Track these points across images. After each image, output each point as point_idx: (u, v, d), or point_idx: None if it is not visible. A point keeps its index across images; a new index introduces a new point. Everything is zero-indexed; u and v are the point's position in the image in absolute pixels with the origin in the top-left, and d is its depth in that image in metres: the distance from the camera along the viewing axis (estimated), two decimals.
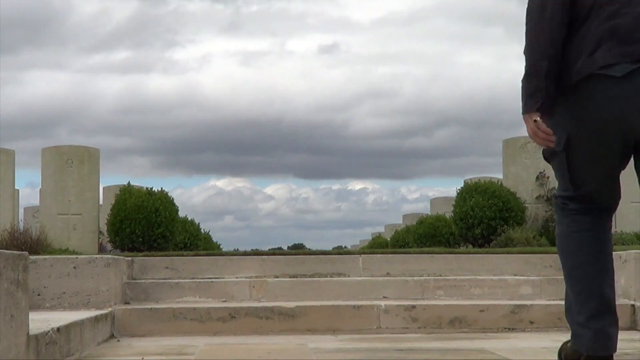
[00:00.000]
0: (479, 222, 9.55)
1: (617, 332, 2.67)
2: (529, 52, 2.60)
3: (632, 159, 2.69)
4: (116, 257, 4.71)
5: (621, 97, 2.44)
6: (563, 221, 2.77)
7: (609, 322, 2.69)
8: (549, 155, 2.73)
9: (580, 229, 2.74)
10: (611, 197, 2.81)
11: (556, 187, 2.81)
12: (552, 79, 2.55)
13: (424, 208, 17.79)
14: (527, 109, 2.58)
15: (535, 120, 2.56)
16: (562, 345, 2.98)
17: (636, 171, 2.69)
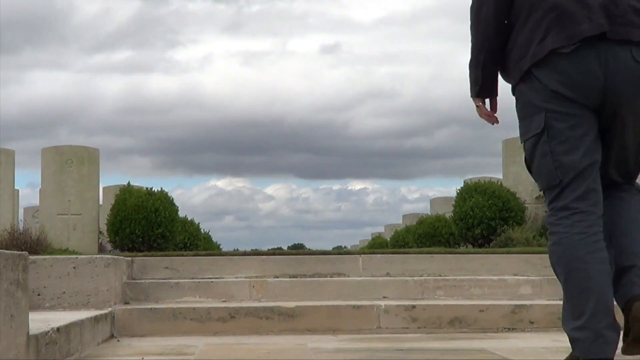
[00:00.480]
0: (478, 222, 9.55)
1: (617, 337, 2.57)
2: (471, 46, 2.92)
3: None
4: (116, 257, 4.71)
5: (575, 67, 2.65)
6: (558, 227, 2.69)
7: (613, 331, 2.58)
8: (529, 155, 2.80)
9: (579, 237, 2.65)
10: (598, 200, 2.70)
11: (547, 200, 2.78)
12: (490, 69, 2.88)
13: (424, 208, 17.79)
14: (471, 95, 2.96)
15: (477, 105, 2.95)
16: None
17: (609, 141, 2.76)
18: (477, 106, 2.95)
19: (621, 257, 2.66)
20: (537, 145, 2.74)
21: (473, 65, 2.92)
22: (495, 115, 2.94)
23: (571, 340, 2.72)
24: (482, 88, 2.91)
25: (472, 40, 2.93)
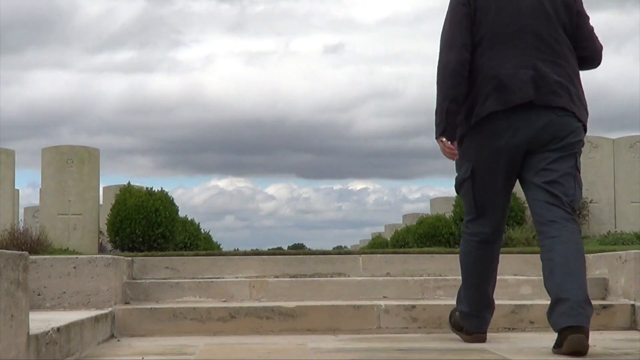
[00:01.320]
0: None
1: (491, 318, 3.85)
2: (437, 96, 3.51)
3: (517, 182, 3.63)
4: (116, 257, 4.71)
5: (506, 132, 3.41)
6: (466, 239, 3.77)
7: (487, 312, 3.82)
8: (458, 186, 3.69)
9: (478, 249, 3.74)
10: (500, 228, 3.78)
11: (465, 216, 3.79)
12: (452, 114, 3.47)
13: (425, 208, 17.79)
14: (435, 135, 3.54)
15: (441, 142, 3.52)
16: (451, 311, 4.01)
17: (527, 171, 3.51)
18: (441, 145, 3.54)
19: (558, 290, 3.34)
20: (464, 183, 3.66)
21: (438, 111, 3.51)
22: (454, 150, 3.52)
23: (461, 316, 3.86)
24: (447, 129, 3.49)
25: (438, 93, 3.52)
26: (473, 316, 3.79)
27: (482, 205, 3.63)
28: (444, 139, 3.50)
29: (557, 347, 3.33)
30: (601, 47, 3.66)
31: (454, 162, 3.60)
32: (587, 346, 3.28)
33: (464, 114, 3.48)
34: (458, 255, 3.87)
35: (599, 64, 3.68)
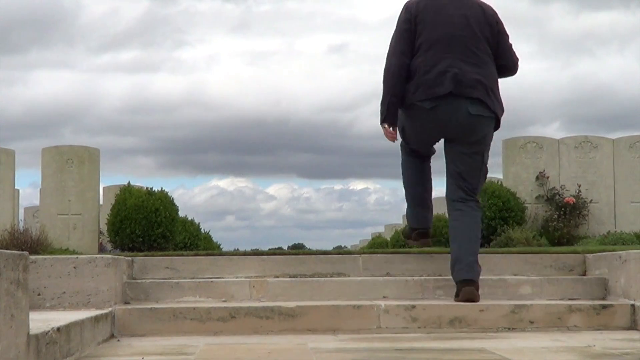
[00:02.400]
0: None
1: (432, 217, 5.03)
2: (383, 91, 4.51)
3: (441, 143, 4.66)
4: (116, 257, 4.71)
5: (428, 117, 4.44)
6: (406, 155, 4.82)
7: (427, 211, 4.89)
8: (401, 150, 4.87)
9: (415, 161, 4.80)
10: (429, 153, 4.84)
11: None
12: (393, 106, 4.49)
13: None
14: (380, 121, 4.60)
15: (384, 127, 4.59)
16: (402, 229, 5.25)
17: (452, 161, 4.58)
18: (383, 129, 4.61)
19: (458, 258, 4.47)
20: (401, 137, 4.75)
21: (382, 103, 4.54)
22: (396, 137, 4.62)
23: (408, 219, 5.04)
24: (387, 117, 4.54)
25: (383, 89, 4.51)
26: (415, 214, 4.91)
27: (413, 146, 4.78)
28: (386, 125, 4.59)
29: (456, 297, 4.45)
30: (517, 59, 4.64)
31: (399, 132, 4.68)
32: (477, 295, 4.39)
33: (402, 102, 4.51)
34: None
35: (515, 72, 4.66)
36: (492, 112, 4.39)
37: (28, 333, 2.68)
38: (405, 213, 4.92)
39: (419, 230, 4.90)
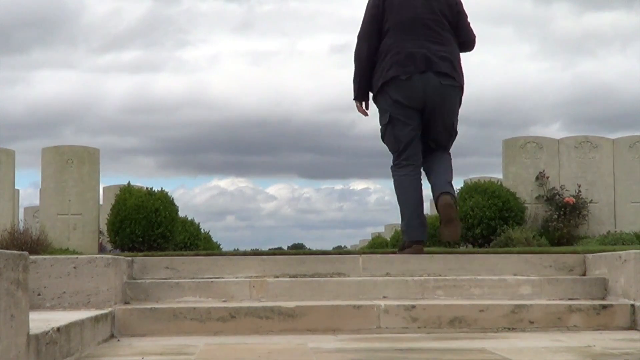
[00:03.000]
0: (478, 222, 9.56)
1: (426, 231, 5.19)
2: (354, 71, 5.09)
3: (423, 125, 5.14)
4: (116, 257, 4.71)
5: (405, 90, 4.92)
6: (398, 174, 5.10)
7: (423, 226, 5.12)
8: (382, 133, 5.19)
9: (407, 177, 5.06)
10: (418, 158, 5.12)
11: (392, 159, 5.18)
12: (364, 84, 5.09)
13: (426, 208, 17.76)
14: (353, 98, 5.17)
15: (356, 103, 5.18)
16: (399, 247, 5.42)
17: (427, 131, 5.13)
18: (356, 105, 5.20)
19: (435, 183, 5.06)
20: (386, 129, 5.12)
21: (354, 81, 5.12)
22: (367, 111, 5.22)
23: (402, 232, 5.25)
24: (359, 94, 5.15)
25: (354, 69, 5.10)
26: (410, 227, 5.12)
27: (402, 140, 5.05)
28: (358, 101, 5.20)
29: (436, 207, 5.07)
30: (474, 36, 5.16)
31: (380, 116, 5.15)
32: (451, 204, 4.97)
33: (376, 78, 4.99)
34: (398, 194, 5.23)
35: (473, 47, 5.20)
36: (458, 83, 5.02)
37: (28, 333, 2.68)
38: (402, 222, 5.25)
39: (417, 242, 5.15)
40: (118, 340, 4.15)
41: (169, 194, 9.67)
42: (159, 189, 9.66)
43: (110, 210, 9.64)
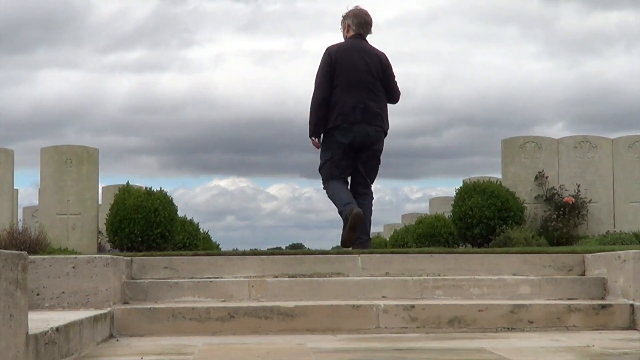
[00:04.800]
0: (477, 221, 9.56)
1: (355, 206, 6.08)
2: (310, 115, 6.32)
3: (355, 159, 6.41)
4: (115, 256, 4.71)
5: (347, 135, 6.24)
6: (331, 183, 6.35)
7: (352, 204, 6.12)
8: (321, 165, 6.44)
9: (336, 182, 6.33)
10: (348, 175, 6.42)
11: (323, 181, 6.49)
12: (318, 126, 6.33)
13: (427, 208, 17.72)
14: (309, 135, 6.38)
15: (311, 139, 6.39)
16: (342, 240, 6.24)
17: (360, 164, 6.39)
18: (311, 140, 6.40)
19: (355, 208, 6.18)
20: (326, 163, 6.38)
21: (311, 123, 6.33)
22: (319, 144, 6.41)
23: (341, 213, 6.18)
24: (315, 133, 6.37)
25: (310, 113, 6.30)
26: (346, 205, 6.13)
27: (333, 172, 6.34)
28: (313, 138, 6.39)
29: (347, 215, 6.07)
30: (399, 93, 6.51)
31: (323, 151, 6.37)
32: (361, 217, 6.04)
33: (326, 124, 6.29)
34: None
35: (398, 101, 6.52)
36: (384, 131, 6.39)
37: (27, 333, 2.68)
38: (338, 209, 6.34)
39: (353, 212, 6.04)
40: (117, 340, 4.15)
41: (168, 193, 9.67)
42: (158, 189, 9.65)
43: (109, 210, 9.62)
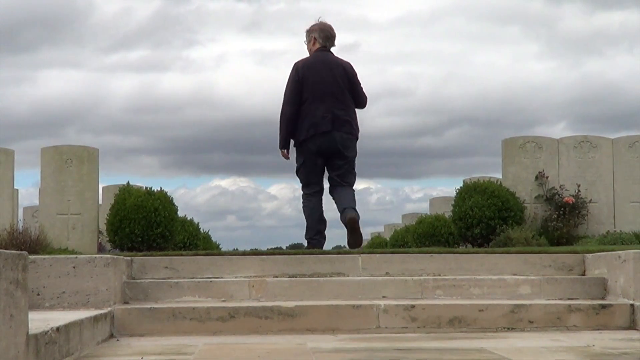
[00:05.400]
0: (478, 221, 9.54)
1: (325, 239, 6.68)
2: (280, 128, 6.70)
3: (326, 166, 6.80)
4: (115, 256, 4.71)
5: (319, 143, 6.57)
6: (307, 199, 6.72)
7: (321, 236, 6.65)
8: (297, 170, 6.77)
9: (312, 201, 6.69)
10: (321, 188, 6.78)
11: (302, 187, 6.85)
12: (287, 139, 6.69)
13: (427, 208, 17.71)
14: (279, 147, 6.75)
15: (281, 151, 6.75)
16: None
17: (335, 173, 6.75)
18: (281, 152, 6.77)
19: (342, 205, 6.55)
20: (300, 168, 6.72)
21: (281, 136, 6.70)
22: (288, 157, 6.78)
23: (308, 242, 6.67)
24: (284, 145, 6.73)
25: (280, 126, 6.70)
26: (314, 240, 6.61)
27: (310, 178, 6.70)
28: (283, 150, 6.75)
29: (344, 222, 6.51)
30: (366, 98, 6.88)
31: (298, 158, 6.73)
32: (354, 217, 6.46)
33: (297, 135, 6.64)
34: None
35: (365, 106, 6.92)
36: (355, 136, 6.75)
37: (27, 333, 2.68)
38: (306, 232, 6.92)
39: (312, 239, 6.65)
40: (117, 340, 4.15)
41: (168, 193, 9.67)
42: (158, 189, 9.64)
43: (110, 210, 9.62)
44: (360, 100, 6.80)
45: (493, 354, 3.46)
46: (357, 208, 6.58)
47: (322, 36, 6.75)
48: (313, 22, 6.93)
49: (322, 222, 6.74)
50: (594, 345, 3.72)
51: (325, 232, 6.79)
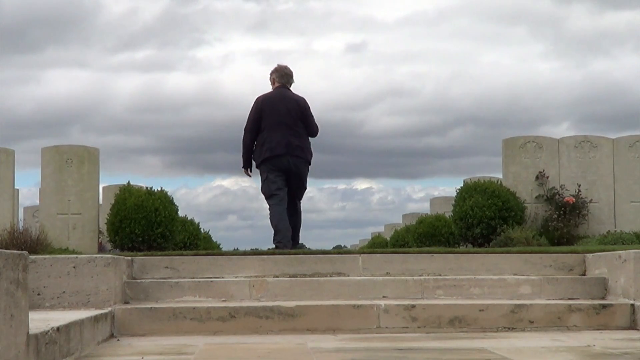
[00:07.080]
0: (478, 221, 9.54)
1: (290, 241, 7.47)
2: (243, 151, 7.87)
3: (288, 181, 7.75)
4: (116, 256, 4.71)
5: (275, 163, 7.63)
6: (272, 209, 7.56)
7: (287, 239, 7.38)
8: (261, 186, 7.86)
9: (278, 207, 7.53)
10: (284, 200, 7.63)
11: (266, 200, 7.77)
12: (248, 160, 7.86)
13: (424, 208, 17.70)
14: (242, 167, 7.96)
15: (244, 169, 7.94)
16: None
17: (287, 184, 7.71)
18: (244, 170, 7.91)
19: (293, 227, 7.59)
20: (264, 183, 7.69)
21: (244, 158, 7.82)
22: (250, 174, 7.91)
23: (276, 246, 7.32)
24: (246, 165, 7.83)
25: (242, 150, 7.83)
26: (281, 243, 7.31)
27: (272, 188, 7.58)
28: (246, 169, 7.85)
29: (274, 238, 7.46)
30: (317, 128, 7.95)
31: (261, 175, 7.69)
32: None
33: (258, 156, 7.70)
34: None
35: (316, 135, 7.97)
36: (307, 161, 7.77)
37: (28, 333, 2.68)
38: (274, 235, 7.66)
39: (279, 242, 7.41)
40: (118, 339, 4.15)
41: (169, 193, 9.67)
42: (159, 189, 9.65)
43: (110, 209, 9.62)
44: (311, 130, 7.95)
45: (493, 354, 3.45)
46: (301, 229, 8.01)
47: (279, 76, 7.98)
48: (275, 66, 8.21)
49: (288, 229, 7.59)
50: (594, 345, 3.72)
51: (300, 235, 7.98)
